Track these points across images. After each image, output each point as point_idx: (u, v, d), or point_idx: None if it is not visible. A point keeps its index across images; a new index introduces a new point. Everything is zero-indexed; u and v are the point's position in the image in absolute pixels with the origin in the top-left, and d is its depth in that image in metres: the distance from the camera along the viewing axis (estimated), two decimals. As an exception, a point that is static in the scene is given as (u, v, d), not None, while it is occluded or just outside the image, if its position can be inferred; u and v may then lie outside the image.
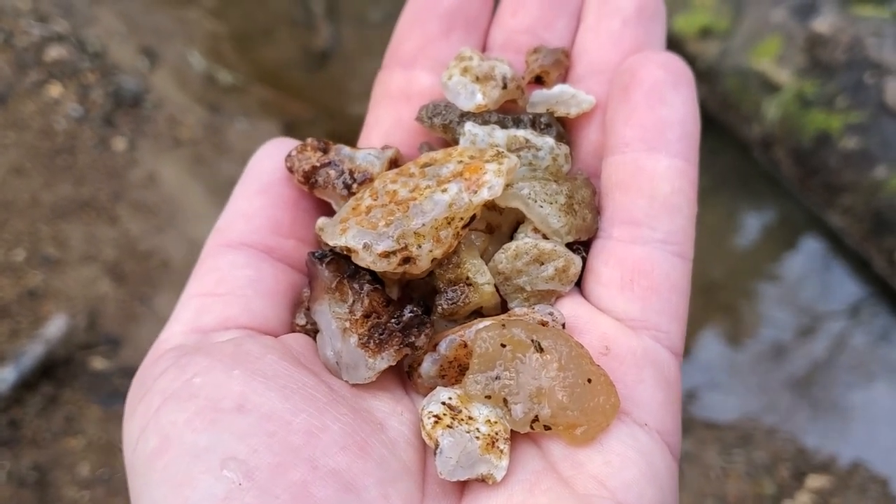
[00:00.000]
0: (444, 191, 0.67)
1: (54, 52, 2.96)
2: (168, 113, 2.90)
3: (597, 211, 0.73)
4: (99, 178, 2.67)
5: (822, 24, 2.71)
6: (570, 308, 0.69)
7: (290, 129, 2.99)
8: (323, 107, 3.11)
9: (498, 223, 0.75)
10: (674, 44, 3.01)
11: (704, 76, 2.94)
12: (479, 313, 0.71)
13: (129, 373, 2.28)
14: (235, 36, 3.27)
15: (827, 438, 2.51)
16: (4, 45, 2.94)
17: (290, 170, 0.73)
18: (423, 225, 0.66)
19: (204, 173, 2.75)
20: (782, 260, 2.91)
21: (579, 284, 0.72)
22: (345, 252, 0.67)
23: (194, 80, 3.09)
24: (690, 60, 2.96)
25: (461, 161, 0.70)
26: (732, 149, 3.02)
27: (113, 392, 2.25)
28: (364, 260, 0.66)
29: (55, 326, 2.25)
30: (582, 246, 0.72)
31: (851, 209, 2.69)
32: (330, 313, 0.67)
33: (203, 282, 0.69)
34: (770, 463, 2.40)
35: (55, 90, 2.87)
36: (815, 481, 2.35)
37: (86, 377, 2.26)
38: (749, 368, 2.67)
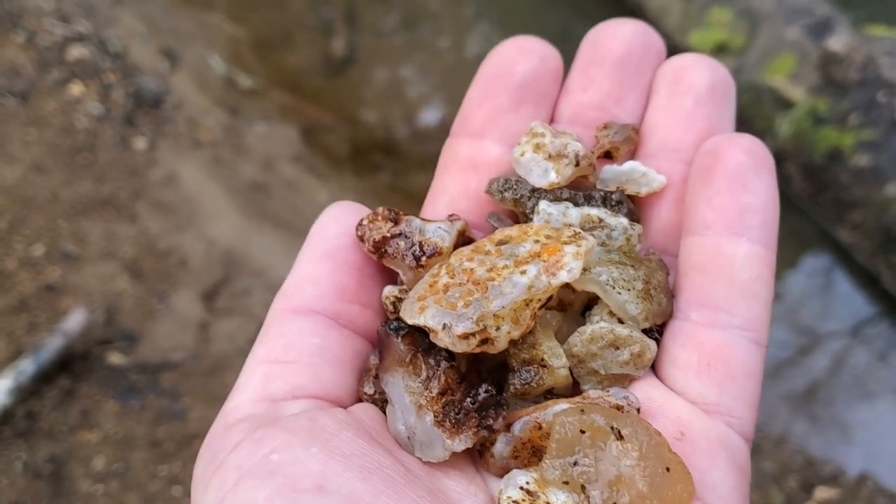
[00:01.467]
0: (524, 273, 0.67)
1: (76, 52, 2.99)
2: (188, 114, 2.93)
3: (671, 294, 0.73)
4: (119, 177, 2.70)
5: (836, 43, 2.74)
6: (645, 391, 0.69)
7: (309, 134, 3.01)
8: (341, 113, 3.14)
9: (571, 301, 0.75)
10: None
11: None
12: (551, 392, 0.71)
13: (145, 368, 2.31)
14: (255, 40, 3.30)
15: (833, 451, 2.52)
16: (27, 44, 2.97)
17: (361, 238, 0.74)
18: (503, 307, 0.65)
19: (223, 174, 2.78)
20: (791, 275, 2.93)
21: (653, 366, 0.72)
22: (423, 328, 0.67)
23: (214, 83, 3.12)
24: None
25: (538, 241, 0.70)
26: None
27: (129, 387, 2.27)
28: (443, 340, 0.65)
29: (74, 320, 2.27)
30: (656, 330, 0.72)
31: (861, 225, 2.72)
32: (403, 386, 0.67)
33: (271, 348, 0.68)
34: (778, 473, 2.41)
35: (77, 89, 2.90)
36: (824, 493, 2.36)
37: (103, 372, 2.28)
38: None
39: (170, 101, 2.94)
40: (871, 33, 2.86)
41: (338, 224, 0.74)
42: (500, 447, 0.66)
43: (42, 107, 2.83)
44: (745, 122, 2.95)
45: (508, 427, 0.66)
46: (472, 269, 0.68)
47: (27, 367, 2.18)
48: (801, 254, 2.95)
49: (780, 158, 2.89)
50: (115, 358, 2.32)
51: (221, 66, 3.16)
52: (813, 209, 2.88)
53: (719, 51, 2.95)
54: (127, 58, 3.04)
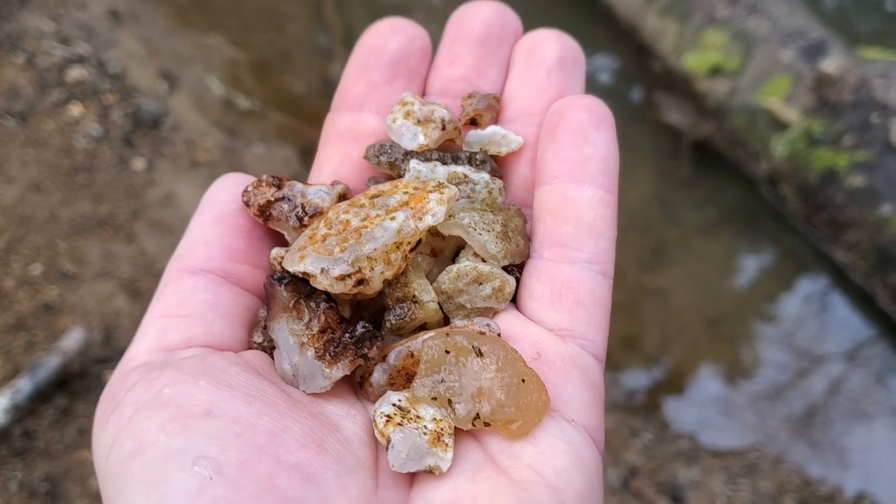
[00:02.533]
0: (393, 218, 0.73)
1: (76, 73, 3.01)
2: (186, 135, 2.94)
3: (528, 238, 0.81)
4: (117, 197, 2.71)
5: (830, 65, 2.77)
6: (506, 321, 0.77)
7: (306, 154, 3.03)
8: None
9: (441, 248, 0.83)
10: (684, 81, 3.07)
11: (713, 113, 2.99)
12: (423, 328, 0.78)
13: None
14: (254, 63, 3.32)
15: (830, 472, 2.52)
16: (27, 66, 2.99)
17: (247, 203, 0.80)
18: (375, 250, 0.72)
19: (221, 194, 2.78)
20: (786, 294, 2.94)
21: (515, 302, 0.80)
22: (303, 276, 0.73)
23: (213, 105, 3.14)
24: (700, 98, 3.02)
25: (406, 192, 0.77)
26: (740, 184, 3.06)
27: (126, 407, 2.26)
28: (322, 283, 0.71)
29: (72, 339, 2.27)
30: (516, 268, 0.80)
31: (857, 245, 2.73)
32: (287, 330, 0.73)
33: (166, 304, 0.74)
34: (776, 493, 2.41)
35: (76, 110, 2.91)
36: (821, 512, 2.37)
37: (100, 391, 2.25)
38: (748, 405, 2.69)
39: (168, 123, 2.95)
40: (864, 55, 2.89)
41: (227, 192, 0.81)
42: (378, 376, 0.73)
43: (41, 127, 2.84)
44: (740, 144, 2.97)
45: (384, 358, 0.73)
46: (347, 221, 0.75)
47: (24, 385, 2.17)
48: (798, 275, 2.96)
49: (776, 179, 2.91)
50: (112, 377, 2.31)
51: (220, 88, 3.18)
52: (808, 229, 2.89)
53: (714, 73, 2.97)
54: (126, 79, 3.05)
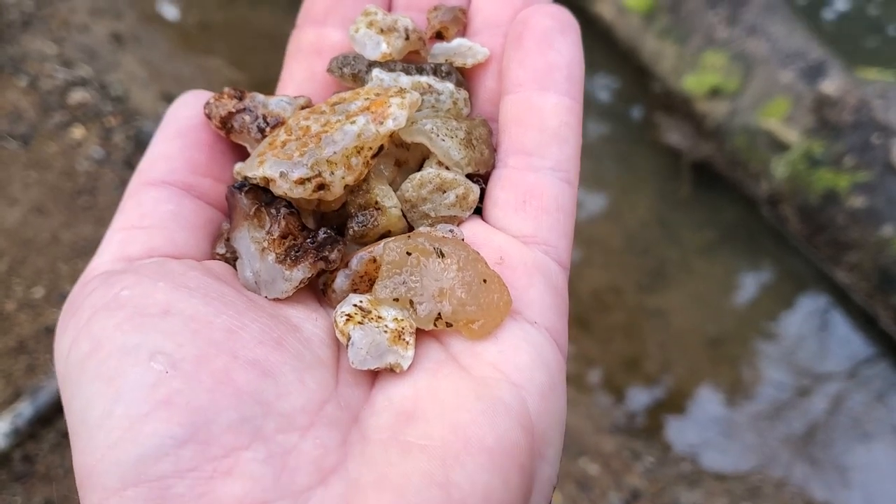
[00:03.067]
0: (353, 123, 0.72)
1: (78, 96, 3.02)
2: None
3: (493, 148, 0.81)
4: (119, 219, 2.71)
5: (830, 86, 2.78)
6: (470, 228, 0.76)
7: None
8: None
9: (405, 158, 0.81)
10: (684, 102, 3.08)
11: (713, 134, 3.00)
12: (387, 237, 0.77)
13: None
14: (255, 84, 3.32)
15: (832, 493, 2.51)
16: (30, 88, 3.00)
17: (209, 116, 0.78)
18: (335, 153, 0.71)
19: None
20: (787, 314, 2.93)
21: (480, 213, 0.79)
22: (262, 183, 0.72)
23: (214, 126, 3.15)
24: (700, 119, 3.03)
25: (367, 98, 0.76)
26: (740, 205, 3.06)
27: (127, 430, 2.26)
28: (281, 188, 0.70)
29: (73, 363, 2.27)
30: (481, 178, 0.80)
31: (858, 266, 2.73)
32: (249, 238, 0.72)
33: (128, 217, 0.73)
34: (779, 515, 2.40)
35: (78, 132, 2.92)
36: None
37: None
38: (749, 425, 2.68)
39: (170, 145, 2.96)
40: (863, 76, 2.90)
41: (188, 107, 0.79)
42: (340, 281, 0.72)
43: (43, 150, 2.85)
44: (741, 164, 2.98)
45: (347, 264, 0.72)
46: (307, 127, 0.74)
47: (25, 409, 2.17)
48: (798, 295, 2.95)
49: (776, 200, 2.91)
50: (113, 400, 2.30)
51: (221, 110, 3.19)
52: (810, 250, 2.89)
53: (713, 94, 2.98)
54: (128, 102, 3.07)
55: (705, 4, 3.07)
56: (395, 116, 0.73)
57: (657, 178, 3.16)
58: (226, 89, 0.80)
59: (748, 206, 3.05)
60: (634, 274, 2.96)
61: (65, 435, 2.22)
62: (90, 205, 2.73)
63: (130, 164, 2.86)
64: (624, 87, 3.43)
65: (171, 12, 3.59)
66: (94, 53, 3.21)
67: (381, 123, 0.73)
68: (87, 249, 2.61)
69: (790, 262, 2.95)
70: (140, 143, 2.92)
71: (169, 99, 3.15)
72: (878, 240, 2.65)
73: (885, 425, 2.67)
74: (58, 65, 3.10)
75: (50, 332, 2.39)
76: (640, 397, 2.74)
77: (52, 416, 2.22)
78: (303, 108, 0.81)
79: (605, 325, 2.82)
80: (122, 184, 2.80)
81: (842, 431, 2.66)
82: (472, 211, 0.78)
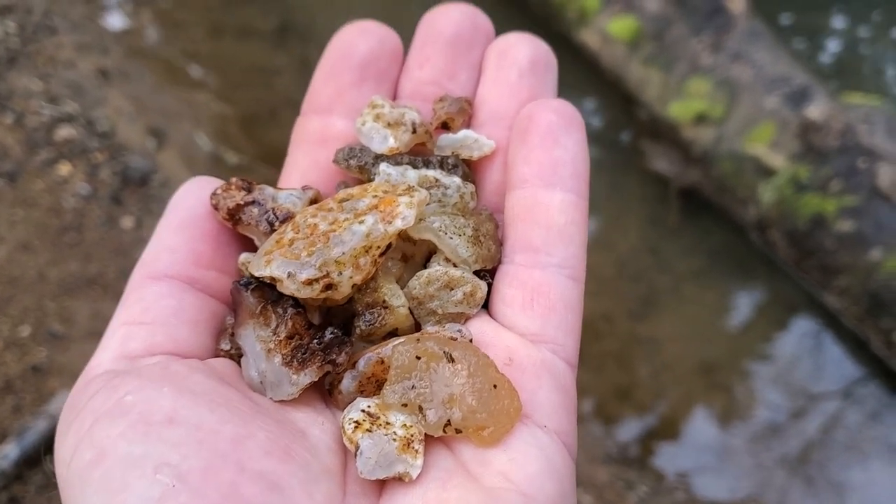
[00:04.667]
0: (362, 222, 0.72)
1: (64, 132, 3.01)
2: (175, 192, 2.93)
3: (500, 242, 0.80)
4: (106, 256, 2.69)
5: (815, 111, 2.79)
6: (478, 326, 0.76)
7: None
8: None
9: (412, 253, 0.81)
10: (670, 129, 3.09)
11: (700, 160, 3.01)
12: (394, 335, 0.76)
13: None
14: (242, 118, 3.33)
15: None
16: (16, 126, 2.99)
17: (216, 207, 0.77)
18: (343, 254, 0.70)
19: (210, 251, 2.77)
20: (779, 340, 2.93)
21: (487, 307, 0.79)
22: (270, 281, 0.71)
23: (201, 160, 3.14)
24: (686, 145, 3.04)
25: (376, 195, 0.75)
26: (728, 230, 3.07)
27: (115, 469, 2.23)
28: (288, 288, 0.69)
29: (61, 402, 2.24)
30: (488, 273, 0.79)
31: (848, 290, 2.73)
32: (254, 336, 0.71)
33: (129, 312, 0.72)
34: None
35: (64, 169, 2.91)
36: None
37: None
38: (744, 448, 2.67)
39: (157, 179, 2.95)
40: (847, 101, 2.92)
41: (193, 196, 0.79)
42: (347, 383, 0.71)
43: (30, 187, 2.83)
44: (728, 190, 2.98)
45: (354, 365, 0.71)
46: (315, 224, 0.73)
47: (11, 451, 2.14)
48: (790, 319, 2.95)
49: (765, 225, 2.92)
50: (101, 439, 2.27)
51: (208, 144, 3.19)
52: (799, 275, 2.90)
53: (699, 121, 2.99)
54: (114, 137, 3.06)
55: (689, 32, 3.09)
56: (404, 216, 0.73)
57: (646, 204, 3.16)
58: (233, 179, 0.80)
59: (737, 232, 3.05)
60: (626, 301, 2.95)
61: (52, 476, 2.19)
62: (77, 241, 2.72)
63: (117, 200, 2.85)
64: (611, 114, 3.45)
65: (117, 21, 3.58)
66: (81, 89, 3.20)
67: (390, 223, 0.72)
68: (74, 286, 2.59)
69: (780, 287, 2.96)
70: (127, 179, 2.91)
71: (156, 133, 3.15)
72: (867, 264, 2.66)
73: (881, 444, 2.66)
74: (44, 101, 3.10)
75: (37, 371, 2.37)
76: (632, 426, 2.73)
77: (38, 457, 2.19)
78: (312, 201, 0.80)
79: (597, 354, 2.81)
80: (109, 220, 2.79)
81: (837, 451, 2.65)
82: (479, 308, 0.78)
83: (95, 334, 2.44)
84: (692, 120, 3.00)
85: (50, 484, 2.18)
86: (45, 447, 2.20)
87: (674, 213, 3.09)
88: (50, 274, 2.62)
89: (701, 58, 3.05)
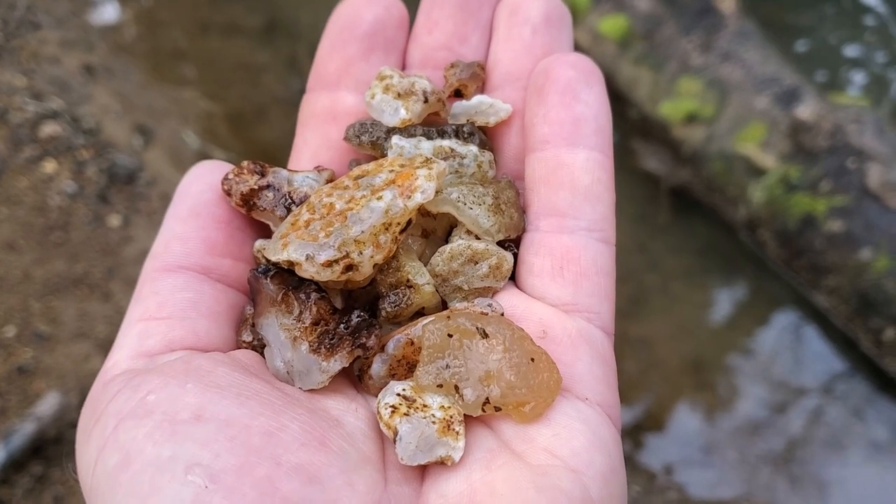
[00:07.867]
0: (380, 198, 0.69)
1: (49, 129, 2.97)
2: (162, 190, 2.91)
3: (522, 210, 0.77)
4: (92, 255, 2.66)
5: (805, 111, 2.80)
6: (507, 299, 0.73)
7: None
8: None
9: (433, 228, 0.78)
10: (660, 129, 3.09)
11: (690, 160, 3.01)
12: (420, 314, 0.74)
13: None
14: (229, 115, 3.30)
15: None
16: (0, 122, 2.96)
17: (228, 192, 0.75)
18: (363, 232, 0.68)
19: (198, 250, 2.75)
20: (766, 337, 2.94)
21: (514, 279, 0.76)
22: (287, 266, 0.68)
23: (188, 158, 3.11)
24: (677, 145, 3.04)
25: (392, 170, 0.73)
26: (718, 230, 3.07)
27: (103, 471, 2.20)
28: (307, 271, 0.67)
29: (47, 404, 2.22)
30: (512, 243, 0.76)
31: (837, 290, 2.74)
32: (277, 325, 0.68)
33: (145, 307, 0.69)
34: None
35: (50, 166, 2.88)
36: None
37: (76, 456, 2.21)
38: (729, 442, 2.68)
39: (144, 178, 2.92)
40: (837, 101, 2.93)
41: (202, 181, 0.76)
42: (377, 367, 0.69)
43: (14, 185, 2.80)
44: (718, 190, 2.99)
45: (383, 348, 0.69)
46: (331, 204, 0.70)
47: (-3, 454, 2.11)
48: (777, 316, 2.96)
49: (755, 225, 2.92)
50: (89, 441, 2.25)
51: (196, 142, 3.16)
52: (789, 275, 2.90)
53: (690, 120, 2.99)
54: (100, 134, 3.02)
55: (679, 31, 3.09)
56: (424, 189, 0.70)
57: (636, 203, 3.16)
58: (245, 163, 0.77)
59: (727, 231, 3.05)
60: (616, 300, 2.95)
61: (39, 479, 2.16)
62: (63, 240, 2.69)
63: (104, 198, 2.82)
64: (600, 113, 3.44)
65: (102, 17, 3.54)
66: (66, 85, 3.16)
67: (409, 197, 0.69)
68: (60, 286, 2.56)
69: (769, 285, 2.96)
70: (113, 177, 2.88)
71: (142, 131, 3.12)
72: (857, 263, 2.67)
73: (863, 439, 2.67)
74: (28, 97, 3.06)
75: (23, 372, 2.34)
76: (623, 426, 2.73)
77: (25, 460, 2.16)
78: (328, 182, 0.77)
79: (587, 353, 2.80)
80: (96, 218, 2.75)
81: (820, 447, 2.67)
82: (506, 280, 0.75)
83: (82, 335, 2.41)
84: (682, 119, 3.00)
85: (37, 487, 2.15)
86: (32, 451, 2.17)
87: (664, 212, 3.09)
88: (35, 273, 2.58)
89: (691, 57, 3.05)
